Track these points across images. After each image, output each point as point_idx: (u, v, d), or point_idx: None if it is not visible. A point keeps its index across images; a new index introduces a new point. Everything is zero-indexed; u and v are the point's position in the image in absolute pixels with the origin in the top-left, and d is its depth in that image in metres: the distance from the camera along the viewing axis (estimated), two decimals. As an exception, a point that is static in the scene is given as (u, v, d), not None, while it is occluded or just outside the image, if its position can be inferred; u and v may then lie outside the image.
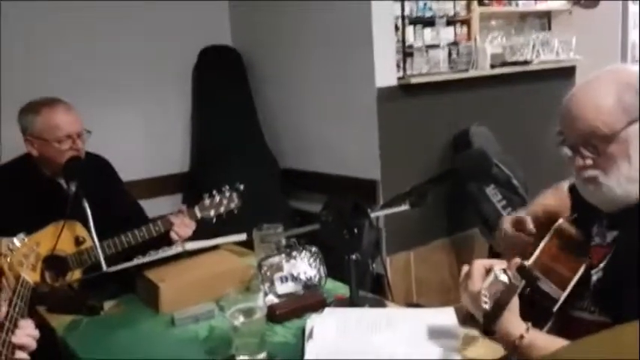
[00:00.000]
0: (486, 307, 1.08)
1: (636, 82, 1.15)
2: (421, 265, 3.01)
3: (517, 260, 1.12)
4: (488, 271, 1.15)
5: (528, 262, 1.21)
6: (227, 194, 2.01)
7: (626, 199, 1.15)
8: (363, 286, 2.39)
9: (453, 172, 1.44)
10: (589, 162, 1.18)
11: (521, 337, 1.08)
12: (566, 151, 1.22)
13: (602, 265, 1.23)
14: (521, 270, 1.10)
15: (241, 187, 2.03)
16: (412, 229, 2.95)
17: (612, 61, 4.03)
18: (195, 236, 2.01)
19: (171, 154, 3.51)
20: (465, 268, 1.17)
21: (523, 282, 1.09)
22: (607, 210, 1.23)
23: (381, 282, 2.82)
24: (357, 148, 2.97)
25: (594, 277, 1.23)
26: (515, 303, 1.11)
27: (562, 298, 1.21)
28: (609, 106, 1.14)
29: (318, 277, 1.72)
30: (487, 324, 1.09)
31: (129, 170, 2.51)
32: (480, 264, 1.17)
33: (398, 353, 1.18)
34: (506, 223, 1.45)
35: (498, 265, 1.14)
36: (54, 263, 1.82)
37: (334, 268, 1.75)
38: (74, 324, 1.58)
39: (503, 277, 1.10)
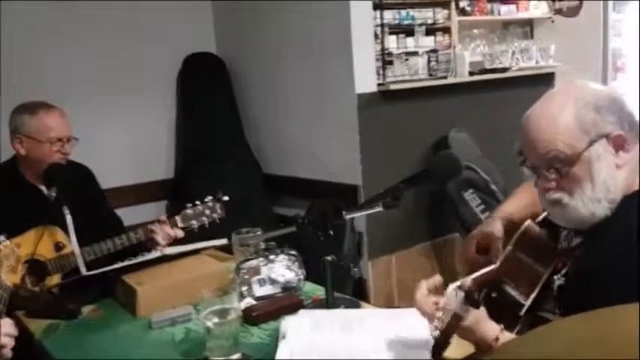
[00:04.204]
0: (438, 331, 1.08)
1: (594, 99, 1.11)
2: (403, 269, 3.04)
3: (467, 281, 1.08)
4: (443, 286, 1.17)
5: (494, 267, 1.21)
6: (210, 204, 1.97)
7: (591, 219, 1.13)
8: (345, 290, 2.42)
9: (424, 174, 1.47)
10: (552, 184, 1.14)
11: (497, 339, 1.09)
12: (527, 171, 1.19)
13: (563, 271, 1.24)
14: (469, 296, 1.07)
15: (225, 197, 1.98)
16: (394, 234, 2.98)
17: (594, 67, 4.11)
18: (177, 241, 2.01)
19: (156, 160, 3.52)
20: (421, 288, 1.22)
21: (469, 310, 1.08)
22: (573, 227, 1.22)
23: (363, 286, 2.86)
24: (338, 154, 3.00)
25: (556, 283, 1.24)
26: (481, 312, 1.11)
27: (527, 304, 1.22)
28: (568, 127, 1.10)
29: (296, 279, 1.74)
30: (435, 352, 1.08)
31: (114, 177, 2.52)
32: (424, 287, 1.23)
33: (369, 352, 1.21)
34: (471, 244, 1.43)
35: (452, 285, 1.12)
36: (33, 268, 1.84)
37: (315, 271, 1.77)
38: (52, 328, 1.58)
39: (454, 300, 1.09)
